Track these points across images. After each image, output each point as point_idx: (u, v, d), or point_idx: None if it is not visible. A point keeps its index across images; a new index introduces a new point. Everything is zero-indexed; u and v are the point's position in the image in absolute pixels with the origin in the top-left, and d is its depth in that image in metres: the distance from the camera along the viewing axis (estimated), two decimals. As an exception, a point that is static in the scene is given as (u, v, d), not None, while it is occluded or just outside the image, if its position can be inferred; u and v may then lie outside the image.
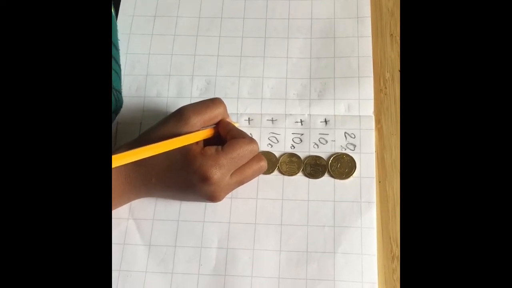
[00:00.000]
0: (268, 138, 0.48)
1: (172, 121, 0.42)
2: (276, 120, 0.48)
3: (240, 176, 0.43)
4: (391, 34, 0.50)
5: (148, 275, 0.44)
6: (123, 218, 0.46)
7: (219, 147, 0.41)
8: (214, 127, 0.44)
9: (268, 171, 0.46)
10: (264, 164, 0.44)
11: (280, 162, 0.47)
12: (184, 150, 0.41)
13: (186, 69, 0.51)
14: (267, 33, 0.52)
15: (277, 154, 0.47)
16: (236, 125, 0.46)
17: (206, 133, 0.43)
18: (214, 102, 0.43)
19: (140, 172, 0.42)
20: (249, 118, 0.48)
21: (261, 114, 0.49)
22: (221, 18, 0.53)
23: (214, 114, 0.43)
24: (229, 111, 0.48)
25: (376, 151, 0.47)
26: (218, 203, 0.44)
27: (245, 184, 0.45)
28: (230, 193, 0.45)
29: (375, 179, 0.46)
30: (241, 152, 0.41)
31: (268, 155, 0.47)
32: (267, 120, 0.48)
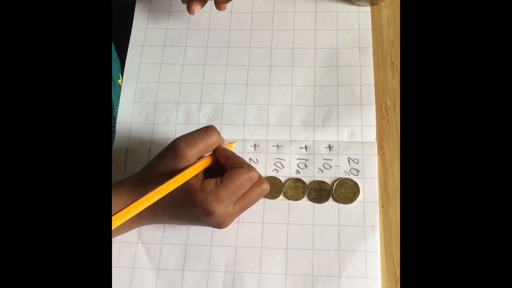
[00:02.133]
0: (274, 164, 0.49)
1: (168, 157, 0.42)
2: (281, 146, 0.49)
3: (243, 203, 0.43)
4: (392, 63, 0.52)
5: (156, 299, 0.45)
6: (132, 242, 0.47)
7: (218, 180, 0.41)
8: (212, 155, 0.44)
9: (274, 195, 0.47)
10: (266, 186, 0.43)
11: (286, 187, 0.48)
12: (184, 186, 0.41)
13: (194, 97, 0.53)
14: (272, 61, 0.54)
15: (282, 179, 0.48)
16: (234, 145, 0.46)
17: (204, 164, 0.43)
18: (208, 131, 0.43)
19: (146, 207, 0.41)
20: (255, 144, 0.50)
21: (267, 140, 0.50)
22: (228, 47, 0.55)
23: (209, 144, 0.43)
24: (235, 137, 0.49)
25: (379, 177, 0.48)
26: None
27: (251, 209, 0.45)
28: (237, 218, 0.46)
29: (378, 203, 0.47)
30: (240, 183, 0.41)
31: (273, 180, 0.48)
32: (273, 146, 0.50)
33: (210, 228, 0.46)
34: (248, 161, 0.48)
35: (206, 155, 0.44)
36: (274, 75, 0.53)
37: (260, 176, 0.43)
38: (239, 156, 0.43)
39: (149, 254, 0.46)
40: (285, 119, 0.51)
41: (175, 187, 0.40)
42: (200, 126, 0.45)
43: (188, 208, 0.42)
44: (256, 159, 0.49)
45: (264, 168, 0.49)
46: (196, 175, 0.42)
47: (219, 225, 0.42)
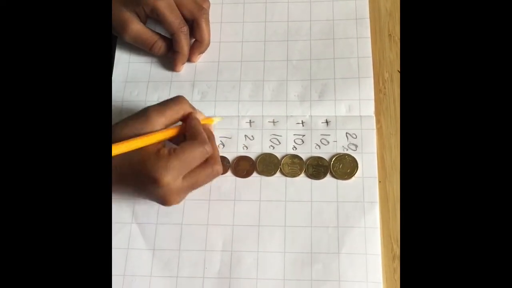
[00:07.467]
0: (270, 140, 0.48)
1: (137, 122, 0.42)
2: (277, 121, 0.48)
3: (192, 179, 0.41)
4: (390, 35, 0.51)
5: (153, 280, 0.44)
6: (126, 222, 0.46)
7: (172, 149, 0.40)
8: (179, 127, 0.43)
9: (270, 173, 0.46)
10: (218, 167, 0.42)
11: (282, 164, 0.47)
12: (141, 149, 0.40)
13: (187, 75, 0.51)
14: (266, 36, 0.52)
15: (279, 156, 0.47)
16: (216, 120, 0.46)
17: (167, 134, 0.42)
18: (175, 100, 0.43)
19: None
20: (250, 120, 0.49)
21: (262, 116, 0.49)
22: (221, 23, 0.53)
23: (175, 112, 0.42)
24: (230, 114, 0.48)
25: (376, 151, 0.47)
26: (221, 206, 0.45)
27: (247, 186, 0.45)
28: (233, 195, 0.45)
29: (377, 179, 0.46)
30: (191, 155, 0.40)
31: (270, 157, 0.47)
32: (269, 122, 0.48)
33: (205, 207, 0.45)
34: (243, 138, 0.48)
35: (175, 125, 0.43)
36: (269, 50, 0.51)
37: (215, 155, 0.42)
38: (201, 130, 0.42)
39: (144, 234, 0.45)
40: (281, 94, 0.49)
41: (130, 149, 0.40)
42: (194, 103, 0.44)
43: (138, 172, 0.40)
44: (252, 136, 0.48)
45: (260, 145, 0.47)
46: (158, 142, 0.41)
47: (165, 197, 0.41)
